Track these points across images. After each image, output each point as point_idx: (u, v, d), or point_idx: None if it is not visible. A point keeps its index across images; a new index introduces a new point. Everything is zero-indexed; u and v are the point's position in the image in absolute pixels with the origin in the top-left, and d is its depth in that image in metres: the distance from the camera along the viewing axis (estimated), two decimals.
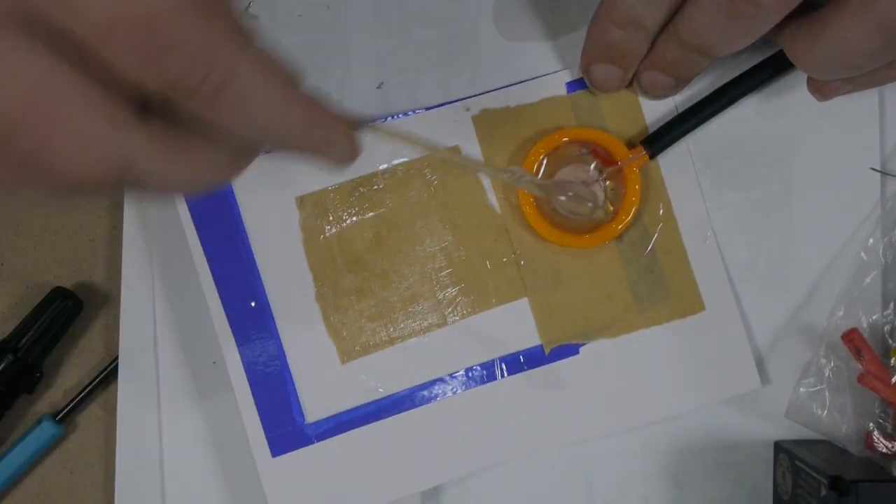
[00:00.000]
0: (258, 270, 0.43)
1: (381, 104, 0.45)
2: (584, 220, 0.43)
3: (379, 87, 0.45)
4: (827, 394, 0.44)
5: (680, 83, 0.43)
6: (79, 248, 0.47)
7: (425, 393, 0.44)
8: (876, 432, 0.43)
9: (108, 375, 0.46)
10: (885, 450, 0.43)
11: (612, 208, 0.44)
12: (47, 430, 0.46)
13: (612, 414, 0.44)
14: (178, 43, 0.27)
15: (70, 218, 0.46)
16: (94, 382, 0.46)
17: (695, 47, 0.40)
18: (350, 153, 0.34)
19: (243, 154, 0.32)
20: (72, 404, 0.46)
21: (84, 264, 0.47)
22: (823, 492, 0.40)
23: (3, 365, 0.45)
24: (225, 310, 0.43)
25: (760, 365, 0.45)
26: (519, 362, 0.44)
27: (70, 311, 0.45)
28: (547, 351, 0.44)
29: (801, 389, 0.44)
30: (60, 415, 0.46)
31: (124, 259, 0.45)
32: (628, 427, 0.45)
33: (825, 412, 0.44)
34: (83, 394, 0.46)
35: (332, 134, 0.33)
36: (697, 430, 0.45)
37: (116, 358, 0.46)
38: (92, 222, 0.46)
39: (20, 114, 0.27)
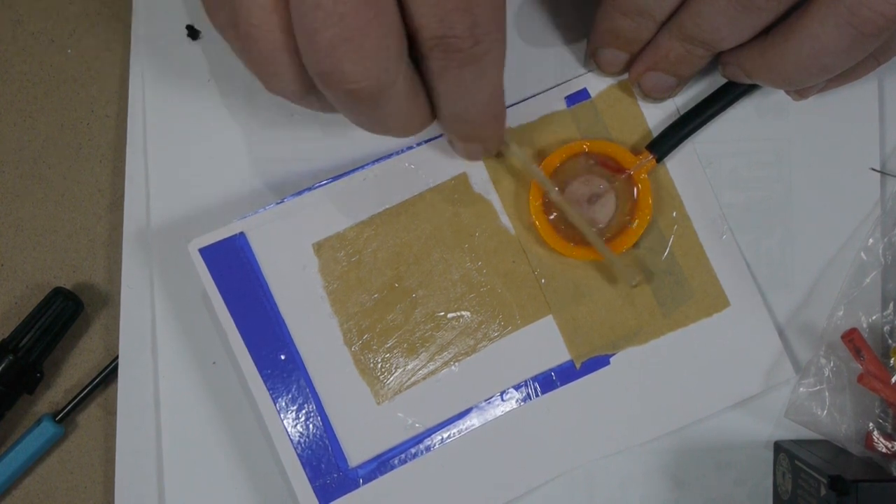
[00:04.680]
0: (284, 322, 0.44)
1: None
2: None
3: None
4: (827, 394, 0.44)
5: (681, 82, 0.43)
6: (79, 248, 0.47)
7: (463, 422, 0.44)
8: (876, 432, 0.43)
9: (108, 375, 0.46)
10: (885, 450, 0.43)
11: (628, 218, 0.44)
12: (47, 430, 0.46)
13: (652, 419, 0.45)
14: (472, 6, 0.33)
15: (70, 218, 0.46)
16: (94, 382, 0.46)
17: (701, 42, 0.40)
18: (482, 156, 0.44)
19: (431, 118, 0.39)
20: (72, 404, 0.46)
21: (84, 264, 0.47)
22: (823, 492, 0.40)
23: (3, 365, 0.45)
24: (256, 366, 0.43)
25: None
26: (551, 380, 0.44)
27: (70, 312, 0.45)
28: (578, 365, 0.45)
29: (801, 389, 0.44)
30: (60, 415, 0.46)
31: (124, 259, 0.45)
32: (672, 429, 0.45)
33: (825, 412, 0.44)
34: (83, 394, 0.46)
35: (498, 132, 0.41)
36: (697, 430, 0.45)
37: (116, 358, 0.46)
38: (92, 222, 0.46)
39: (340, 14, 0.31)
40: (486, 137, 0.41)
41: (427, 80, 0.36)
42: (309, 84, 0.36)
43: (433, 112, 0.39)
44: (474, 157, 0.43)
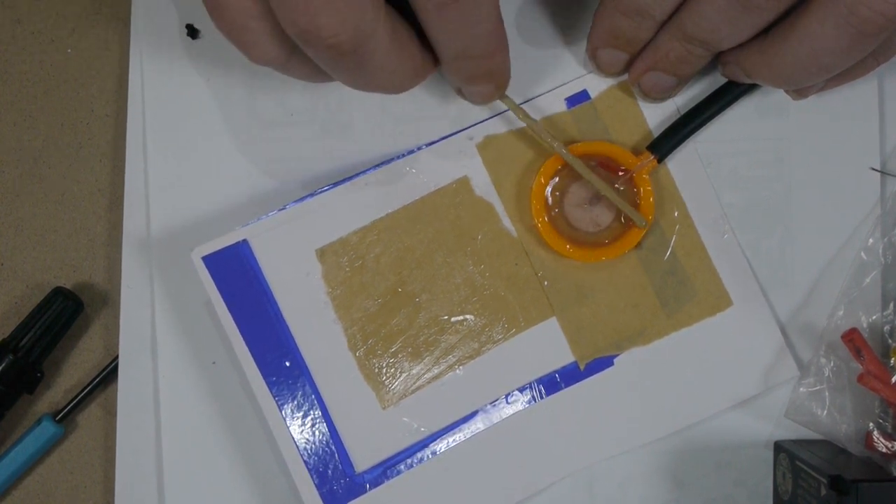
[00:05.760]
0: (288, 328, 0.44)
1: (382, 104, 0.45)
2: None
3: None
4: (827, 394, 0.44)
5: (681, 82, 0.43)
6: (79, 248, 0.47)
7: (468, 426, 0.44)
8: (876, 432, 0.43)
9: (108, 375, 0.46)
10: (885, 450, 0.43)
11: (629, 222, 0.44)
12: (47, 430, 0.45)
13: (656, 420, 0.45)
14: None
15: (70, 218, 0.46)
16: (94, 382, 0.46)
17: (701, 41, 0.40)
18: (494, 96, 0.41)
19: (428, 67, 0.38)
20: (72, 404, 0.46)
21: (84, 264, 0.47)
22: (823, 492, 0.40)
23: (3, 365, 0.44)
24: (261, 373, 0.43)
25: None
26: (556, 381, 0.45)
27: (70, 311, 0.45)
28: (582, 366, 0.45)
29: (801, 389, 0.45)
30: (60, 415, 0.46)
31: (124, 259, 0.45)
32: (677, 429, 0.45)
33: (825, 412, 0.44)
34: (83, 394, 0.46)
35: (505, 63, 0.40)
36: (697, 430, 0.45)
37: (116, 358, 0.46)
38: (92, 222, 0.46)
39: None
40: (495, 71, 0.40)
41: (423, 24, 0.36)
42: (289, 47, 0.35)
43: (429, 63, 0.38)
44: (485, 100, 0.42)
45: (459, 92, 0.41)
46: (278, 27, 0.34)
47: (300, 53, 0.35)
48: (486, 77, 0.40)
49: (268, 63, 0.36)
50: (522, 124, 0.45)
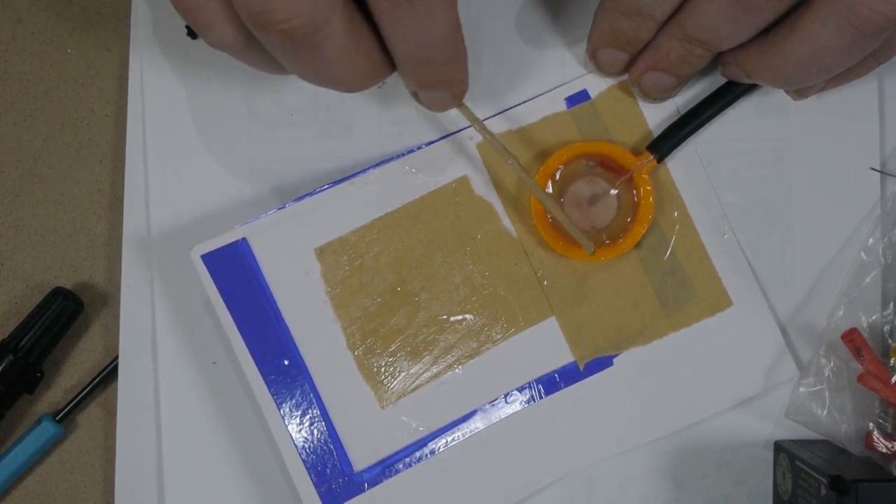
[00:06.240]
0: (287, 327, 0.44)
1: (381, 103, 0.45)
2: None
3: (380, 87, 0.45)
4: (827, 394, 0.44)
5: (681, 82, 0.43)
6: (79, 248, 0.47)
7: (467, 425, 0.44)
8: (876, 432, 0.43)
9: (108, 375, 0.46)
10: (885, 450, 0.43)
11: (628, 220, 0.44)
12: (47, 430, 0.46)
13: (656, 420, 0.45)
14: None
15: (70, 218, 0.46)
16: (94, 382, 0.46)
17: (701, 42, 0.40)
18: (449, 104, 0.40)
19: (385, 68, 0.37)
20: (72, 404, 0.46)
21: (84, 264, 0.47)
22: (823, 492, 0.40)
23: (3, 365, 0.44)
24: (260, 371, 0.43)
25: None
26: (555, 381, 0.44)
27: (70, 311, 0.45)
28: (581, 366, 0.45)
29: (801, 389, 0.45)
30: (60, 415, 0.46)
31: (124, 259, 0.45)
32: (676, 429, 0.45)
33: (825, 412, 0.44)
34: (83, 394, 0.46)
35: (461, 73, 0.38)
36: (697, 430, 0.45)
37: (116, 358, 0.46)
38: (92, 222, 0.46)
39: None
40: (449, 80, 0.38)
41: (379, 23, 0.35)
42: (246, 33, 0.35)
43: (387, 64, 0.37)
44: (441, 107, 0.41)
45: (416, 97, 0.41)
46: (235, 10, 0.33)
47: (257, 41, 0.35)
48: (441, 84, 0.39)
49: (224, 48, 0.35)
50: (521, 124, 0.45)
